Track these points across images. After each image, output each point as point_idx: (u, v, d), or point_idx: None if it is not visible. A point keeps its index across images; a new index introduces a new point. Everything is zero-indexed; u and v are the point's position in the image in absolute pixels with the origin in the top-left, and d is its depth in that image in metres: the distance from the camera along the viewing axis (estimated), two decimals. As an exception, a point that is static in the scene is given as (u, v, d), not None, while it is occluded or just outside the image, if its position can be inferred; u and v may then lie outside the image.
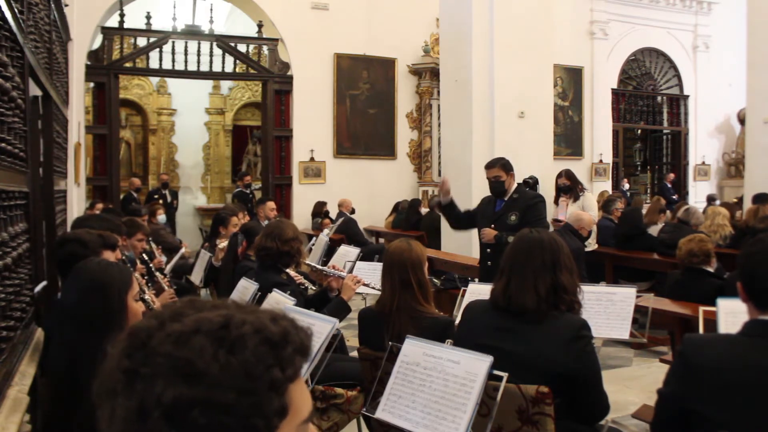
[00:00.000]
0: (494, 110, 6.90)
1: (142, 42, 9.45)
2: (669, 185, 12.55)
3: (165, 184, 10.81)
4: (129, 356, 0.65)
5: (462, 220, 4.58)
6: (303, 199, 9.96)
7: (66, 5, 4.77)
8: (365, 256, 4.32)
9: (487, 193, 4.46)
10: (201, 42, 9.70)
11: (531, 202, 4.25)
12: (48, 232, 3.12)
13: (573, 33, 11.27)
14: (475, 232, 5.00)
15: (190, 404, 0.61)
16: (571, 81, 11.53)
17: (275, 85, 10.00)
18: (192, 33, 9.81)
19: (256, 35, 10.06)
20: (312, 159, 10.23)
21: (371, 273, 3.66)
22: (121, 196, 9.60)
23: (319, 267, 3.69)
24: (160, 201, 9.84)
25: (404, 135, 10.96)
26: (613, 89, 12.15)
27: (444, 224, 7.32)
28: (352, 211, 8.88)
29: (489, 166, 4.41)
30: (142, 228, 4.54)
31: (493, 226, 4.26)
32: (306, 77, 10.06)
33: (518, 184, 4.42)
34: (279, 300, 2.89)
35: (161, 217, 7.33)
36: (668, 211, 7.14)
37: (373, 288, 3.25)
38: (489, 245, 4.26)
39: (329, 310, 2.96)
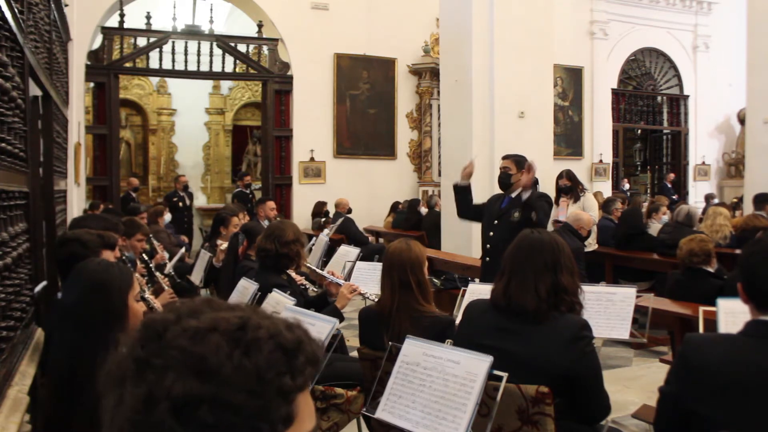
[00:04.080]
0: (494, 110, 6.89)
1: (142, 42, 9.46)
2: (669, 185, 12.56)
3: (185, 186, 10.37)
4: (143, 346, 0.66)
5: (470, 209, 4.57)
6: (303, 199, 9.96)
7: (66, 5, 4.77)
8: (365, 256, 4.32)
9: (487, 192, 4.47)
10: (201, 42, 9.70)
11: (534, 199, 4.25)
12: (48, 232, 3.12)
13: (573, 33, 11.27)
14: (475, 231, 5.00)
15: (199, 400, 0.62)
16: (571, 81, 11.53)
17: (275, 85, 10.00)
18: (192, 33, 9.81)
19: (256, 35, 10.06)
20: (312, 159, 10.24)
21: (371, 273, 3.66)
22: (121, 196, 9.58)
23: (319, 271, 3.69)
24: (180, 204, 9.81)
25: (404, 135, 10.97)
26: (613, 89, 12.16)
27: (444, 224, 7.33)
28: (349, 211, 8.88)
29: (504, 157, 4.46)
30: (141, 228, 4.54)
31: (496, 222, 4.27)
32: (306, 77, 10.06)
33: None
34: (279, 300, 2.89)
35: (167, 216, 7.31)
36: (669, 211, 7.14)
37: (369, 297, 3.24)
38: (489, 242, 4.26)
39: None
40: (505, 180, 4.33)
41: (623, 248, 6.13)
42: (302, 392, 0.68)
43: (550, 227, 5.03)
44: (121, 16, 9.15)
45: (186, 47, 9.91)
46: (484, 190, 6.68)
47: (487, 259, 4.30)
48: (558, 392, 1.97)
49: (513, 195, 4.32)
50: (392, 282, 2.63)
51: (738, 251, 5.07)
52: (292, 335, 0.68)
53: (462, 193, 4.54)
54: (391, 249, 2.71)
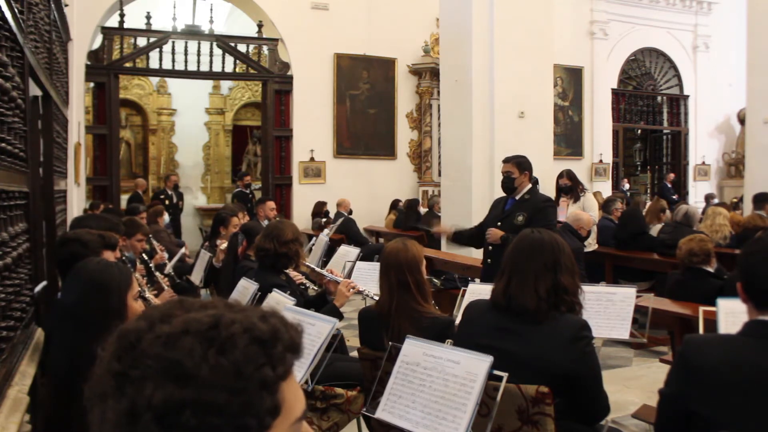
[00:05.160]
0: (494, 110, 6.89)
1: (142, 42, 9.46)
2: (669, 185, 12.56)
3: (176, 185, 10.63)
4: (119, 359, 0.65)
5: (478, 239, 4.48)
6: (303, 199, 9.96)
7: (66, 5, 4.77)
8: (365, 256, 4.31)
9: (487, 192, 4.46)
10: (201, 42, 9.71)
11: (541, 205, 4.20)
12: (48, 232, 3.12)
13: (573, 33, 11.27)
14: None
15: (181, 405, 0.61)
16: (571, 81, 11.53)
17: (275, 85, 10.00)
18: (192, 33, 9.81)
19: (256, 35, 10.06)
20: (312, 159, 10.24)
21: (371, 273, 3.65)
22: (128, 196, 9.65)
23: (318, 269, 3.68)
24: (167, 201, 9.85)
25: (404, 135, 10.97)
26: (613, 89, 12.16)
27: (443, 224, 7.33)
28: (350, 212, 8.89)
29: (505, 160, 4.38)
30: (141, 228, 4.54)
31: (499, 224, 4.25)
32: (306, 77, 10.06)
33: (532, 186, 4.38)
34: (279, 300, 2.89)
35: (165, 217, 7.34)
36: (668, 212, 7.14)
37: (367, 295, 3.23)
38: (491, 244, 4.25)
39: None
40: (508, 184, 4.28)
41: (624, 248, 6.13)
42: (285, 380, 0.67)
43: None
44: (121, 16, 9.15)
45: (186, 47, 9.91)
46: (484, 190, 6.70)
47: (489, 261, 4.28)
48: (558, 392, 1.97)
49: (517, 197, 4.30)
50: (390, 283, 2.62)
51: (738, 251, 5.07)
52: (266, 325, 0.67)
53: (459, 239, 4.52)
54: (388, 249, 2.70)
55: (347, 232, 8.18)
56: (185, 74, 10.05)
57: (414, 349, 2.01)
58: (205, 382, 0.62)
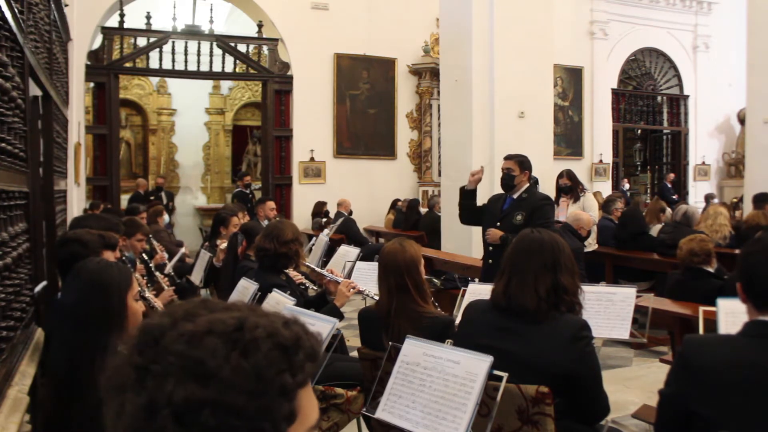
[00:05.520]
0: (494, 110, 6.89)
1: (142, 42, 9.46)
2: (669, 185, 12.55)
3: (159, 187, 10.96)
4: (141, 353, 0.65)
5: (472, 214, 4.54)
6: (303, 199, 9.96)
7: (66, 5, 4.77)
8: (365, 256, 4.31)
9: (487, 192, 4.45)
10: (201, 42, 9.71)
11: (538, 203, 4.21)
12: (48, 232, 3.12)
13: (573, 33, 11.27)
14: (476, 231, 4.99)
15: (201, 405, 0.61)
16: (571, 81, 11.53)
17: (275, 85, 10.01)
18: (192, 33, 9.81)
19: (256, 35, 10.06)
20: (312, 159, 10.24)
21: (371, 273, 3.65)
22: (129, 196, 9.69)
23: (318, 270, 3.68)
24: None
25: (404, 135, 10.97)
26: (613, 89, 12.15)
27: (443, 224, 7.33)
28: (350, 212, 8.89)
29: (506, 157, 4.41)
30: (141, 228, 4.55)
31: (498, 224, 4.25)
32: (306, 77, 10.06)
33: (530, 185, 4.39)
34: (279, 300, 2.89)
35: (165, 217, 7.36)
36: (669, 212, 7.14)
37: (368, 295, 3.23)
38: (491, 244, 4.26)
39: None
40: (508, 182, 4.30)
41: (624, 248, 6.13)
42: (303, 388, 0.68)
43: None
44: (121, 16, 9.15)
45: (186, 47, 9.92)
46: (484, 189, 6.68)
47: (490, 261, 4.28)
48: (558, 392, 1.97)
49: (515, 196, 4.30)
50: (389, 285, 2.62)
51: (738, 251, 5.06)
52: (289, 332, 0.67)
53: (467, 197, 4.51)
54: (385, 251, 2.69)
55: (347, 232, 8.18)
56: (185, 74, 10.05)
57: (414, 349, 2.01)
58: (226, 383, 0.62)
